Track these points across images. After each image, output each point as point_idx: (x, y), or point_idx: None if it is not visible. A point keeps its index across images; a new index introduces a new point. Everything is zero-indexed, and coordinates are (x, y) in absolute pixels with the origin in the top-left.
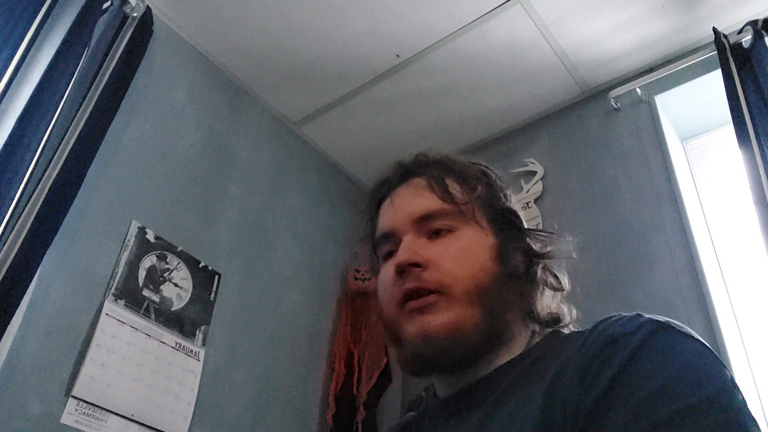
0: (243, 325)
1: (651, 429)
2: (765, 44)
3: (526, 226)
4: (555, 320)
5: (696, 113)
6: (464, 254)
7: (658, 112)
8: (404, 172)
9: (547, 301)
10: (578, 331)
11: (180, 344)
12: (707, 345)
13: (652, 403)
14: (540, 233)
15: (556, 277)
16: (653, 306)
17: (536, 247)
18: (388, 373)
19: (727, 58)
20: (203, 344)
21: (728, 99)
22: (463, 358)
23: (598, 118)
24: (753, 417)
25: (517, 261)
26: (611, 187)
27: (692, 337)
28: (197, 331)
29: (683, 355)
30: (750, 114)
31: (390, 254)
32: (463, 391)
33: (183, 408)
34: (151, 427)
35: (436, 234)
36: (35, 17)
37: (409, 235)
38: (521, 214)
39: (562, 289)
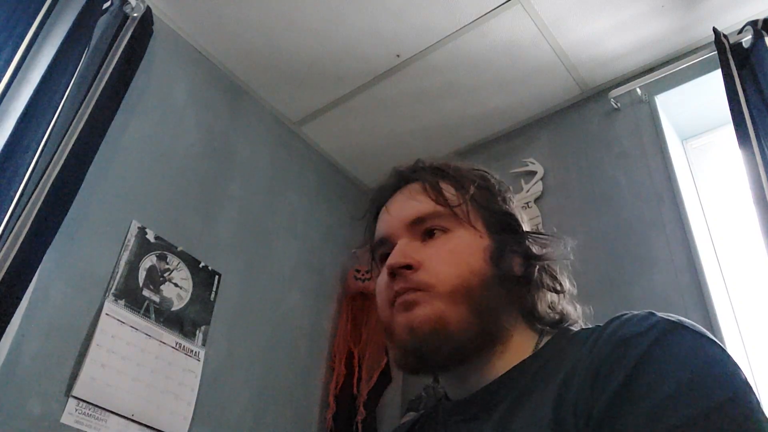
0: (243, 325)
1: None
2: (765, 44)
3: (525, 228)
4: (559, 320)
5: (696, 113)
6: (454, 255)
7: (658, 112)
8: (400, 179)
9: (550, 302)
10: (589, 329)
11: (180, 344)
12: (721, 345)
13: (666, 408)
14: (538, 235)
15: (554, 278)
16: (653, 306)
17: (534, 249)
18: (388, 373)
19: (727, 58)
20: (203, 344)
21: (728, 99)
22: (453, 354)
23: (598, 118)
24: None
25: (514, 263)
26: (611, 187)
27: (706, 336)
28: (197, 331)
29: (697, 357)
30: (750, 114)
31: (386, 258)
32: (476, 395)
33: (183, 408)
34: (151, 427)
35: (429, 236)
36: (35, 17)
37: (403, 238)
38: (522, 216)
39: (561, 291)
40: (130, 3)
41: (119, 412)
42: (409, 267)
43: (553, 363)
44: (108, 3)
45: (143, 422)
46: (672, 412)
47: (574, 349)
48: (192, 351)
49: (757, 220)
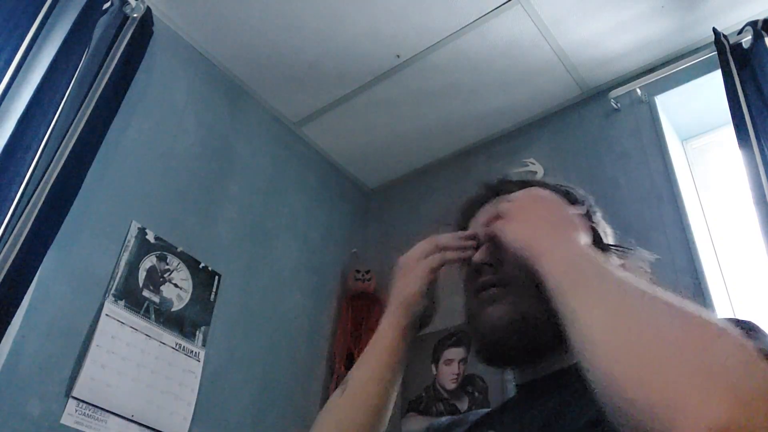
0: (243, 326)
1: None
2: (765, 44)
3: (607, 241)
4: None
5: (696, 113)
6: None
7: (658, 112)
8: (488, 191)
9: None
10: None
11: (180, 345)
12: None
13: None
14: (619, 248)
15: None
16: None
17: (613, 260)
18: None
19: (727, 59)
20: (203, 345)
21: (728, 99)
22: (531, 348)
23: (598, 119)
24: None
25: None
26: (611, 188)
27: None
28: (197, 332)
29: None
30: (750, 114)
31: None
32: (539, 380)
33: (183, 408)
34: (151, 428)
35: None
36: (35, 18)
37: (490, 242)
38: (606, 230)
39: None
40: (130, 3)
41: (119, 413)
42: (491, 265)
43: None
44: (108, 3)
45: (143, 423)
46: None
47: None
48: (192, 351)
49: (757, 220)
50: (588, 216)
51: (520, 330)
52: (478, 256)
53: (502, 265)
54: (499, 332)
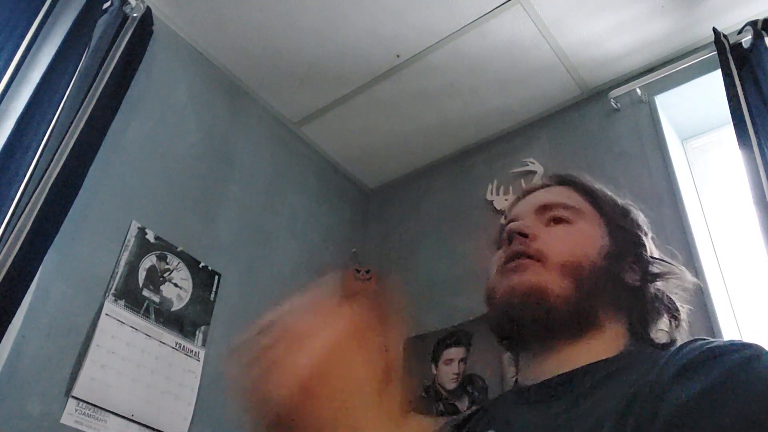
0: (243, 325)
1: None
2: (765, 44)
3: (649, 253)
4: (668, 344)
5: (696, 113)
6: (571, 238)
7: (658, 112)
8: (544, 183)
9: (663, 327)
10: (675, 348)
11: (180, 344)
12: None
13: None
14: (661, 261)
15: (672, 303)
16: None
17: (653, 270)
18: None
19: (727, 59)
20: (203, 344)
21: (728, 99)
22: (546, 324)
23: (598, 119)
24: None
25: (630, 273)
26: (611, 187)
27: None
28: (197, 332)
29: None
30: (750, 114)
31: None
32: (549, 381)
33: (183, 408)
34: (151, 428)
35: (554, 222)
36: (35, 17)
37: (529, 218)
38: (651, 246)
39: (676, 317)
40: (130, 3)
41: (119, 413)
42: (525, 236)
43: (628, 372)
44: (108, 3)
45: (143, 422)
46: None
47: (654, 361)
48: (192, 351)
49: (757, 220)
50: (635, 225)
51: (537, 301)
52: (514, 225)
53: (536, 240)
54: (516, 298)
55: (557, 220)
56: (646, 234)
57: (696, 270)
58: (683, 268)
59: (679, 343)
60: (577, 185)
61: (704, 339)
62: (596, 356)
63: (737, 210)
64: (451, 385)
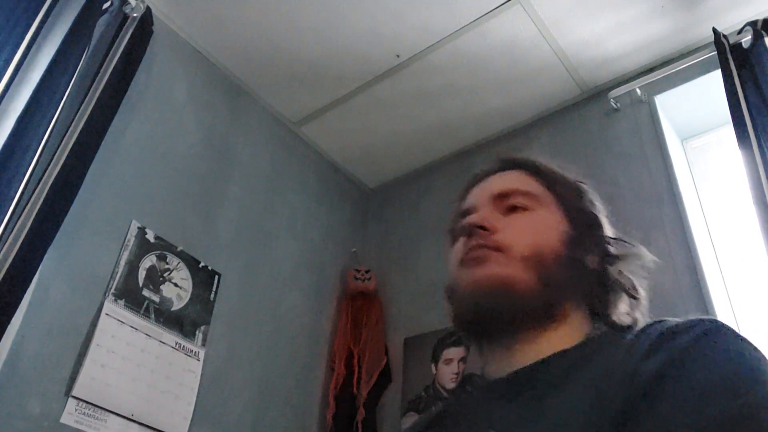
0: (243, 325)
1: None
2: (765, 44)
3: (607, 233)
4: (629, 326)
5: (696, 113)
6: (531, 227)
7: (657, 112)
8: (493, 167)
9: (626, 310)
10: (637, 330)
11: (180, 344)
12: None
13: (707, 398)
14: (619, 241)
15: (632, 285)
16: (653, 306)
17: (612, 251)
18: (388, 373)
19: (727, 59)
20: (203, 344)
21: (728, 99)
22: (512, 316)
23: (598, 119)
24: None
25: (590, 257)
26: (611, 187)
27: (748, 341)
28: (197, 331)
29: (742, 356)
30: (750, 114)
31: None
32: (516, 374)
33: (183, 408)
34: (151, 427)
35: (511, 210)
36: (35, 17)
37: (486, 208)
38: (608, 226)
39: (636, 297)
40: (130, 3)
41: (119, 412)
42: (485, 229)
43: (597, 356)
44: (108, 3)
45: (143, 422)
46: (712, 403)
47: (619, 344)
48: (192, 351)
49: (757, 220)
50: (590, 205)
51: (503, 293)
52: (473, 219)
53: (497, 232)
54: (481, 291)
55: (515, 208)
56: (600, 212)
57: (696, 269)
58: (640, 245)
59: (641, 323)
60: (530, 168)
61: (665, 319)
62: (562, 345)
63: (737, 210)
64: (451, 385)
